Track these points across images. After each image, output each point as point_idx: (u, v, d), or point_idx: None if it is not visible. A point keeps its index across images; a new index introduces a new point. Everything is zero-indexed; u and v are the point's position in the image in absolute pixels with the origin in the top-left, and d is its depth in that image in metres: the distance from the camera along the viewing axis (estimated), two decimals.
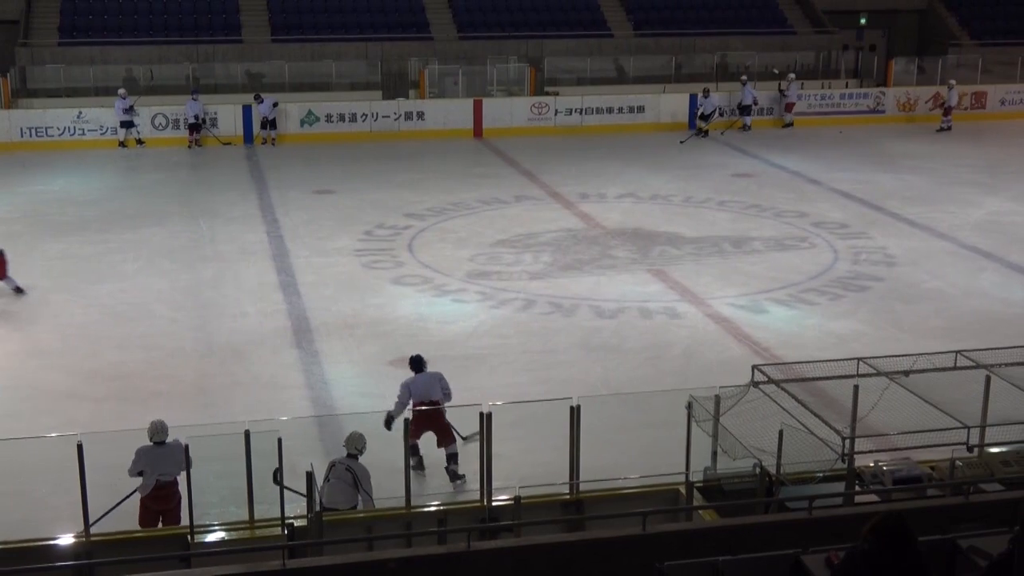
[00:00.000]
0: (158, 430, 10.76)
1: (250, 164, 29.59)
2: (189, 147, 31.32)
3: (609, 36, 40.22)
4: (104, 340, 16.50)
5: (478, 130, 33.60)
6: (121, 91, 31.45)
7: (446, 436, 12.25)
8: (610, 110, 34.52)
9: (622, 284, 19.12)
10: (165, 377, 15.10)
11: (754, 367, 10.72)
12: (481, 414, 10.06)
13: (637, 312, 17.65)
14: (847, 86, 38.40)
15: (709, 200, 25.31)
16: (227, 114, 32.16)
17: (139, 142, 31.21)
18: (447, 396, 12.35)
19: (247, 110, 32.11)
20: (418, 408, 12.01)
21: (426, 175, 27.86)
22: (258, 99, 31.91)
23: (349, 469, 10.73)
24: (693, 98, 34.68)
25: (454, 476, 12.16)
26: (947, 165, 29.37)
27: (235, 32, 37.90)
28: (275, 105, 31.91)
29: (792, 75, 35.60)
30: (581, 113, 34.32)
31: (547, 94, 35.77)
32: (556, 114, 34.16)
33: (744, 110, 34.18)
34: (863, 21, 45.06)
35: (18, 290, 18.54)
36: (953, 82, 35.38)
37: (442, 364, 15.38)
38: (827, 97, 36.08)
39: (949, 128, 34.54)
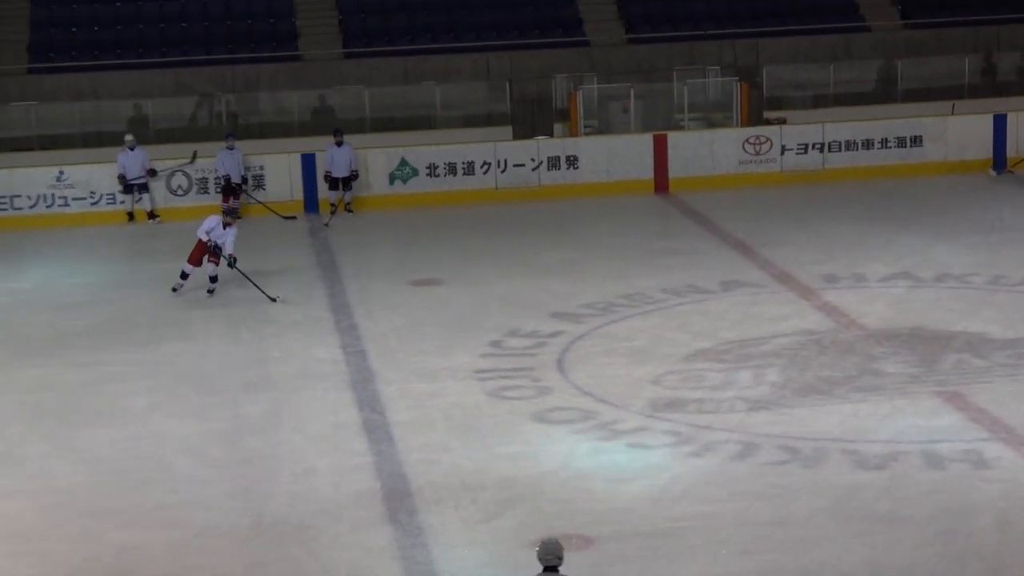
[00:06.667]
0: None
1: (315, 242, 30.18)
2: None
3: (864, 30, 40.25)
4: (101, 513, 16.81)
5: (661, 182, 33.86)
6: (128, 138, 32.19)
7: None
8: (869, 144, 34.45)
9: (896, 416, 18.98)
10: (193, 568, 15.32)
11: None
12: None
13: (921, 459, 17.47)
14: None
15: None
16: (279, 168, 32.80)
17: (151, 215, 32.07)
18: None
19: (308, 160, 32.66)
20: None
21: (584, 253, 28.12)
22: (338, 140, 32.07)
23: None
24: (1000, 120, 34.44)
25: None
26: None
27: (288, 44, 38.45)
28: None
29: None
30: (823, 150, 34.38)
31: (768, 122, 35.93)
32: (783, 153, 34.28)
33: None
34: None
35: None
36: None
37: (617, 545, 15.44)
38: None
39: None
